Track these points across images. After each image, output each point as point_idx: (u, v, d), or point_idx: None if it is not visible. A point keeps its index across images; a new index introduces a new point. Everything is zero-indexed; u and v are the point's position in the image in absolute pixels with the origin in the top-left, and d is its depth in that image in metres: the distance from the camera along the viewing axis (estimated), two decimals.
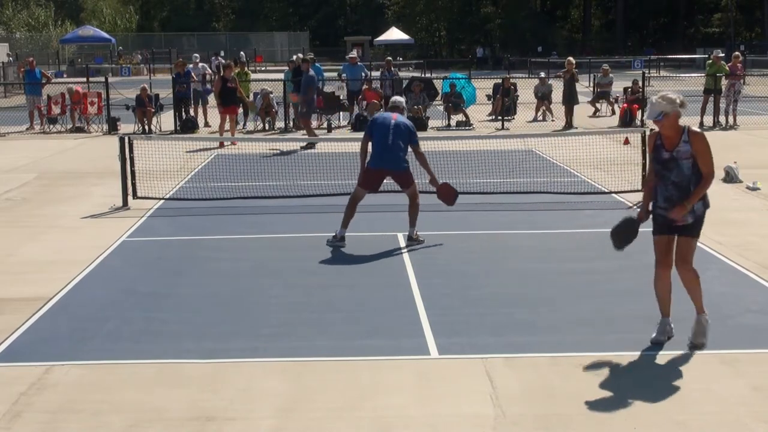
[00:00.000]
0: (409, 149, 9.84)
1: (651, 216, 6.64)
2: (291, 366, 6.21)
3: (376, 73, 30.84)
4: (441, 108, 23.75)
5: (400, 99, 10.57)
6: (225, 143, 17.87)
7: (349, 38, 63.09)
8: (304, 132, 18.82)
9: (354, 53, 25.43)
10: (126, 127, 21.73)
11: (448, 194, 10.27)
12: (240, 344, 6.66)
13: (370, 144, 9.88)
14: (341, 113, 23.76)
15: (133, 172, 12.43)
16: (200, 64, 25.49)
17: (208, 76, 24.63)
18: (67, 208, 12.22)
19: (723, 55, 22.74)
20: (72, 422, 5.36)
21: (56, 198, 13.06)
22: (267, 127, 22.42)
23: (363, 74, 23.62)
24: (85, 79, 26.64)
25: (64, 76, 45.22)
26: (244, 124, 22.47)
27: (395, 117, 9.91)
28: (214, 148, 18.02)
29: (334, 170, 13.87)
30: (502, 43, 71.36)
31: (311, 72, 18.91)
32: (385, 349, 6.52)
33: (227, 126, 18.78)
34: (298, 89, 19.08)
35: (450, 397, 5.65)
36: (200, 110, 23.16)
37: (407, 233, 9.85)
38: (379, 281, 8.36)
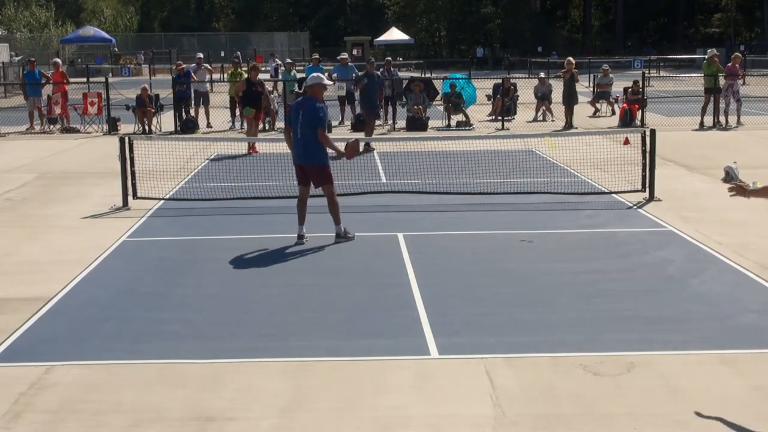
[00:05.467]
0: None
1: None
2: (291, 366, 6.21)
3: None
4: (441, 108, 23.76)
5: (315, 75, 9.96)
6: (256, 148, 17.49)
7: (349, 38, 63.01)
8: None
9: (345, 54, 25.41)
10: (126, 128, 21.73)
11: (352, 151, 10.23)
12: (240, 344, 6.66)
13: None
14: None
15: (133, 173, 12.43)
16: (204, 65, 24.96)
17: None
18: (67, 208, 12.22)
19: (717, 53, 22.70)
20: (72, 422, 5.36)
21: (56, 198, 13.06)
22: (267, 127, 22.40)
23: (353, 74, 23.60)
24: (85, 79, 26.66)
25: None
26: (242, 125, 22.45)
27: (304, 104, 9.72)
28: (235, 155, 18.01)
29: (333, 170, 13.82)
30: (502, 43, 71.41)
31: (377, 73, 18.82)
32: (385, 349, 6.52)
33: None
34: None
35: (450, 397, 5.65)
36: (201, 111, 23.07)
37: (335, 232, 9.90)
38: (379, 281, 8.36)
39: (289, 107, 21.71)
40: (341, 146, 10.23)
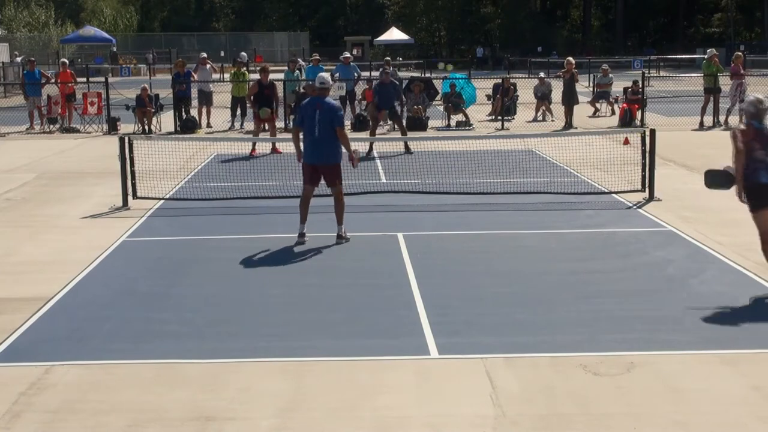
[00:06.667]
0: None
1: None
2: (291, 366, 6.21)
3: (376, 74, 30.81)
4: (441, 108, 23.76)
5: (325, 76, 10.14)
6: (257, 150, 17.28)
7: (349, 38, 63.06)
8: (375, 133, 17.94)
9: (347, 54, 25.37)
10: (126, 127, 21.73)
11: (356, 159, 10.32)
12: (240, 344, 6.66)
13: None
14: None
15: (133, 172, 12.43)
16: (208, 65, 24.82)
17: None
18: (67, 208, 12.22)
19: (717, 53, 22.72)
20: (72, 422, 5.37)
21: (56, 198, 13.06)
22: (267, 127, 22.34)
23: (355, 74, 23.59)
24: (85, 79, 26.67)
25: None
26: (242, 125, 22.45)
27: (320, 105, 9.77)
28: (245, 154, 17.99)
29: None
30: (502, 43, 71.34)
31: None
32: (385, 349, 6.52)
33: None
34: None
35: (450, 397, 5.65)
36: (204, 111, 23.01)
37: (336, 232, 9.89)
38: (379, 281, 8.36)
39: (291, 107, 21.79)
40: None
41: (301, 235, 9.85)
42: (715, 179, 8.53)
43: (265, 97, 17.72)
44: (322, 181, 9.99)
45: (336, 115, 9.81)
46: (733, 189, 8.15)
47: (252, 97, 17.87)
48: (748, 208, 8.09)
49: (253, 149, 17.33)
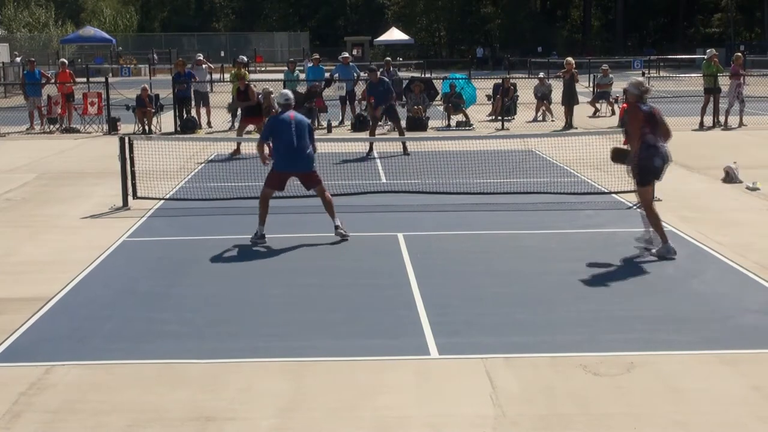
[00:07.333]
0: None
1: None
2: (291, 366, 6.21)
3: (364, 75, 30.73)
4: (441, 108, 23.76)
5: (288, 93, 10.41)
6: (241, 149, 17.35)
7: (349, 38, 63.03)
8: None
9: (346, 54, 25.33)
10: (126, 128, 21.73)
11: None
12: (240, 344, 6.66)
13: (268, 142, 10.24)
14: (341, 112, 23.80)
15: (133, 172, 12.43)
16: (204, 66, 24.83)
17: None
18: (67, 208, 12.22)
19: (716, 53, 22.72)
20: (72, 422, 5.37)
21: (56, 198, 13.06)
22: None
23: (355, 74, 23.58)
24: (85, 79, 26.67)
25: None
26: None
27: (292, 116, 10.02)
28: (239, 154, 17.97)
29: (333, 170, 13.88)
30: (502, 43, 71.37)
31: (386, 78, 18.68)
32: (385, 349, 6.52)
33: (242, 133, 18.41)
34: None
35: (450, 397, 5.65)
36: (203, 111, 23.03)
37: (335, 228, 9.98)
38: (379, 281, 8.36)
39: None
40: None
41: (262, 236, 9.88)
42: (616, 156, 9.60)
43: (246, 100, 17.95)
44: (328, 185, 10.19)
45: (310, 125, 10.30)
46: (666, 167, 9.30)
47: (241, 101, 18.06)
48: (637, 183, 9.17)
49: (238, 149, 17.31)
